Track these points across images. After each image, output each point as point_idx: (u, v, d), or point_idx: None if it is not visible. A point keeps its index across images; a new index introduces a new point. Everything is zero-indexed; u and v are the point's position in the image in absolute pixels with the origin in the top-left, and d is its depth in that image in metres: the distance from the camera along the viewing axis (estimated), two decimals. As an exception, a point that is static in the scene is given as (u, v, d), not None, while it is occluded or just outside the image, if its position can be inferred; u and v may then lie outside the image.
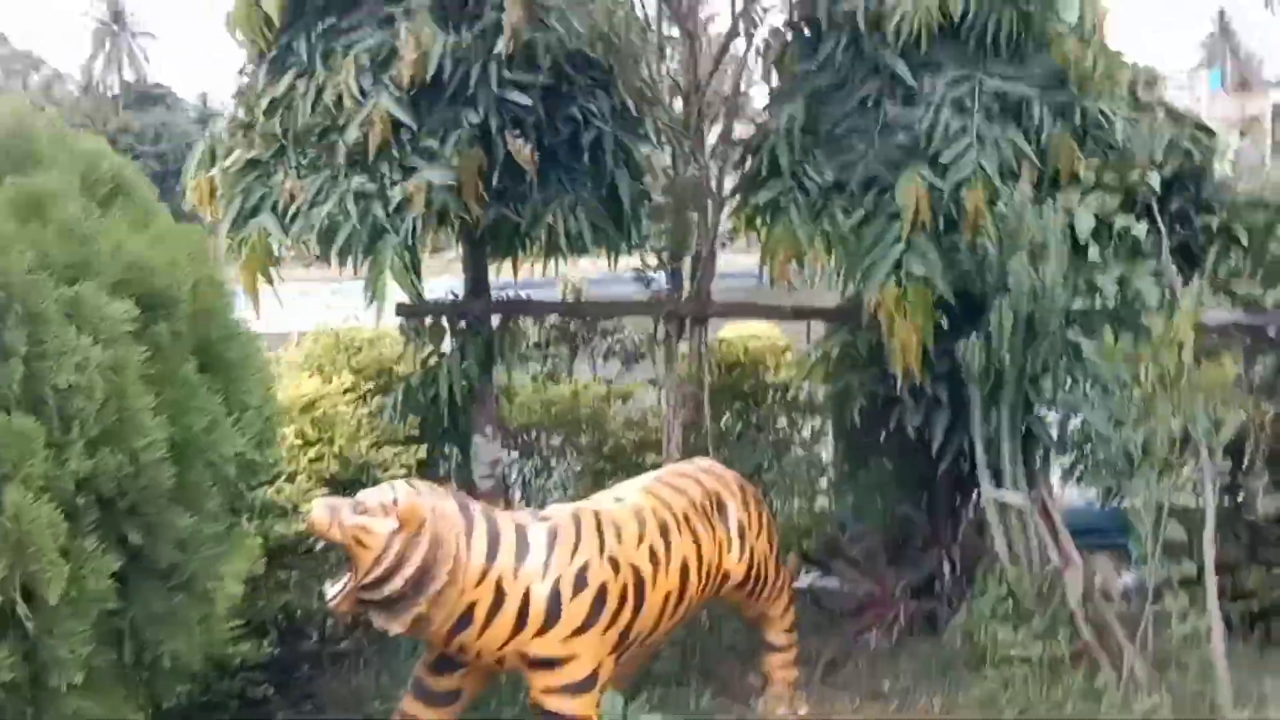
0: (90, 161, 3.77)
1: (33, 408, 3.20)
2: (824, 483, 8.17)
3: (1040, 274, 6.00)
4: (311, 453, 5.83)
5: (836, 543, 7.44)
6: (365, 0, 6.46)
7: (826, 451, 8.38)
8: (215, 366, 3.79)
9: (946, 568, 7.11)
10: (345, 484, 6.05)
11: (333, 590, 4.82)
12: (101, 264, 3.45)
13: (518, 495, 8.19)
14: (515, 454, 8.38)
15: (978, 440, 6.50)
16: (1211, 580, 5.76)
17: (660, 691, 6.15)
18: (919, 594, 7.11)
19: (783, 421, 8.47)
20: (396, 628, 4.76)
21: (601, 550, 5.06)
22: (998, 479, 6.49)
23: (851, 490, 7.66)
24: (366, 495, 4.82)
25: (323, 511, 4.74)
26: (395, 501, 4.72)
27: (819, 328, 7.96)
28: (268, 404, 4.13)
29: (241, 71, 7.09)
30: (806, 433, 8.51)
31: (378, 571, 4.67)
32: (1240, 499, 7.22)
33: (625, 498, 5.50)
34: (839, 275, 6.69)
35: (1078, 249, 6.27)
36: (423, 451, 6.99)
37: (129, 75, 67.65)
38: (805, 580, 7.57)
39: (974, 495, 7.11)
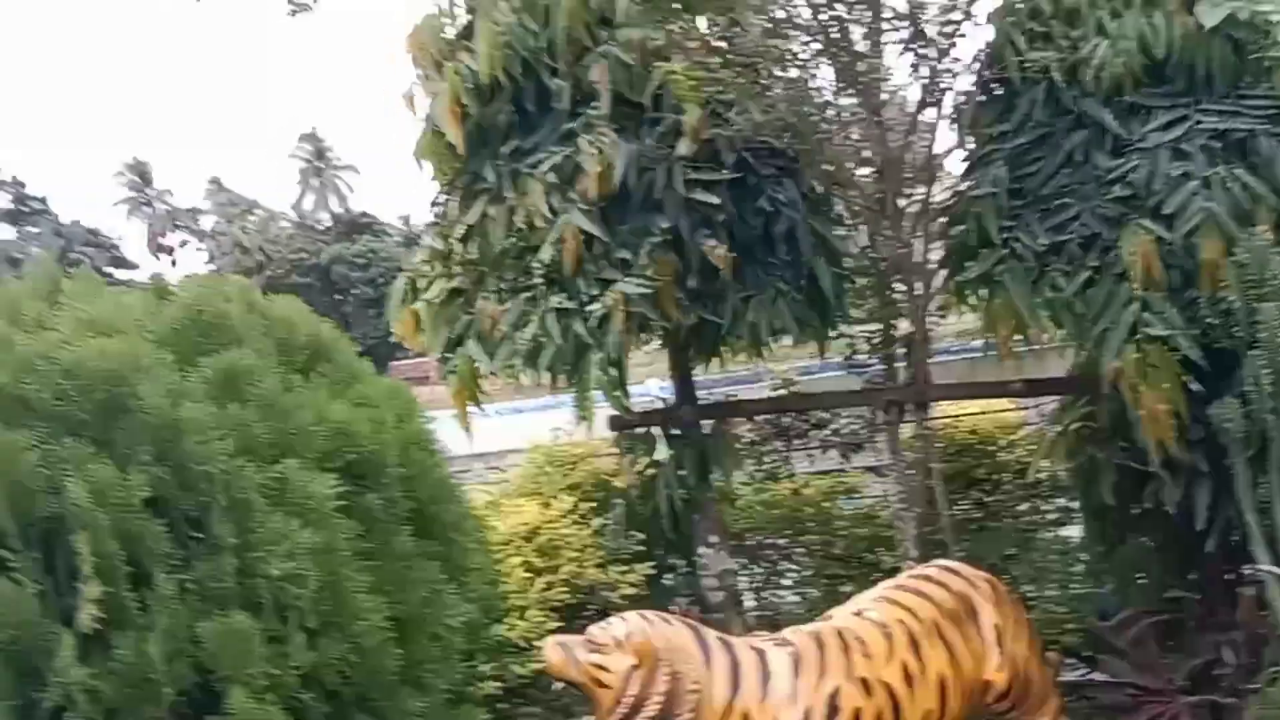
0: (286, 328, 3.74)
1: (247, 603, 3.12)
2: (1078, 568, 7.51)
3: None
4: (540, 583, 5.71)
5: (1100, 633, 6.80)
6: (545, 120, 6.44)
7: (1074, 533, 7.72)
8: (431, 531, 3.67)
9: (1228, 653, 6.39)
10: (576, 610, 5.89)
11: (579, 736, 4.63)
12: (304, 437, 3.39)
13: (750, 603, 7.85)
14: (743, 561, 8.06)
15: (1248, 511, 5.84)
16: None
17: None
18: (1199, 684, 6.40)
19: (1024, 504, 7.88)
20: (649, 770, 4.50)
21: (850, 671, 4.69)
22: (1275, 552, 5.80)
23: (1110, 574, 7.01)
24: (597, 631, 4.61)
25: (557, 652, 4.56)
26: (628, 635, 4.50)
27: (1050, 399, 7.40)
28: (490, 564, 3.96)
29: (434, 202, 7.18)
30: (1051, 514, 7.88)
31: (621, 711, 4.46)
32: None
33: (866, 610, 5.12)
34: (1067, 343, 6.20)
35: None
36: (649, 568, 6.78)
37: (336, 207, 71.73)
38: (1069, 676, 6.94)
39: (1250, 570, 6.39)
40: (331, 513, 3.29)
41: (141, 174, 72.55)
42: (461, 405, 6.76)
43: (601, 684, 4.46)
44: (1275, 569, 5.76)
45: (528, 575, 5.70)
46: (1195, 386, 5.70)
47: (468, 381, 6.71)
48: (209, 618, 3.12)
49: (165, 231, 72.18)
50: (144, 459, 3.17)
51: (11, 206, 63.64)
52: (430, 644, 3.44)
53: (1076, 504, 7.41)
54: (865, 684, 4.69)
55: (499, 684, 5.02)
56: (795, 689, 4.56)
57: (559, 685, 4.81)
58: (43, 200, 68.70)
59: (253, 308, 3.70)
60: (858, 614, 5.10)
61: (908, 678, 4.85)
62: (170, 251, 72.16)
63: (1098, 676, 7.05)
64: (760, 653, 4.67)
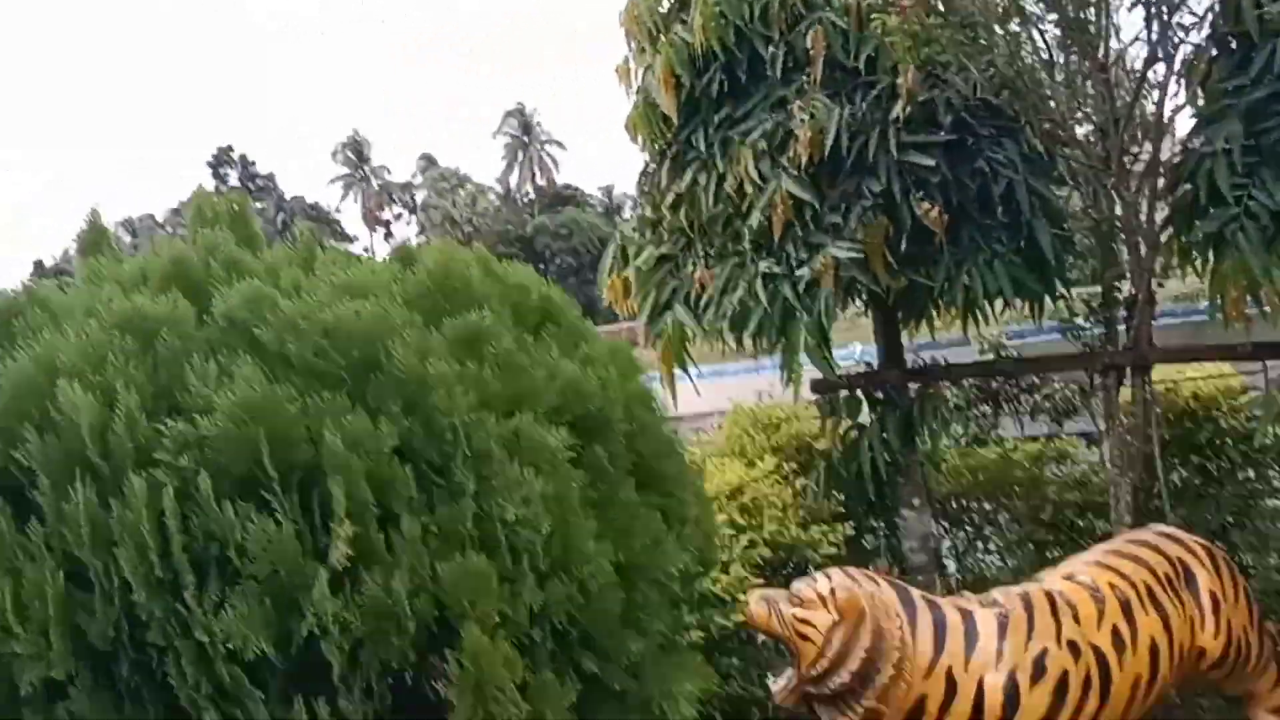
0: (520, 293, 3.98)
1: (484, 545, 3.36)
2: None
3: None
4: (744, 540, 5.87)
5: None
6: (757, 88, 6.53)
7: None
8: (652, 483, 3.85)
9: None
10: (777, 568, 6.03)
11: (777, 684, 4.78)
12: (537, 393, 3.60)
13: (952, 567, 7.84)
14: (945, 525, 8.05)
15: None
16: None
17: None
18: None
19: (1246, 472, 7.57)
20: (844, 723, 4.63)
21: (1058, 634, 4.70)
22: None
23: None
24: (802, 586, 4.75)
25: (760, 605, 4.72)
26: (833, 592, 4.62)
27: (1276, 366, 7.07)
28: (707, 517, 4.12)
29: (644, 171, 7.39)
30: (1277, 481, 7.55)
31: (822, 665, 4.57)
32: None
33: (1077, 574, 5.09)
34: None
35: None
36: (850, 529, 6.87)
37: (541, 181, 73.45)
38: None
39: None
40: (562, 463, 3.51)
41: (358, 151, 75.87)
42: (668, 368, 6.96)
43: (804, 638, 4.57)
44: None
45: (731, 532, 5.86)
46: None
47: (675, 345, 6.91)
48: (449, 558, 3.33)
49: (380, 205, 75.44)
50: (393, 411, 3.43)
51: (239, 183, 67.65)
52: (650, 590, 3.61)
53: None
54: (1074, 647, 4.69)
55: (701, 634, 5.20)
56: (1001, 650, 4.60)
57: (760, 638, 4.97)
58: (270, 177, 72.70)
59: (490, 273, 3.95)
60: (1068, 577, 5.08)
61: (1118, 642, 4.81)
62: (385, 224, 75.40)
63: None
64: (966, 613, 4.72)
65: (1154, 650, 4.92)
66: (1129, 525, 6.25)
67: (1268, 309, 6.14)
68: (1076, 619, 4.78)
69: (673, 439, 4.10)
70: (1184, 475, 7.44)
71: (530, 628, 3.44)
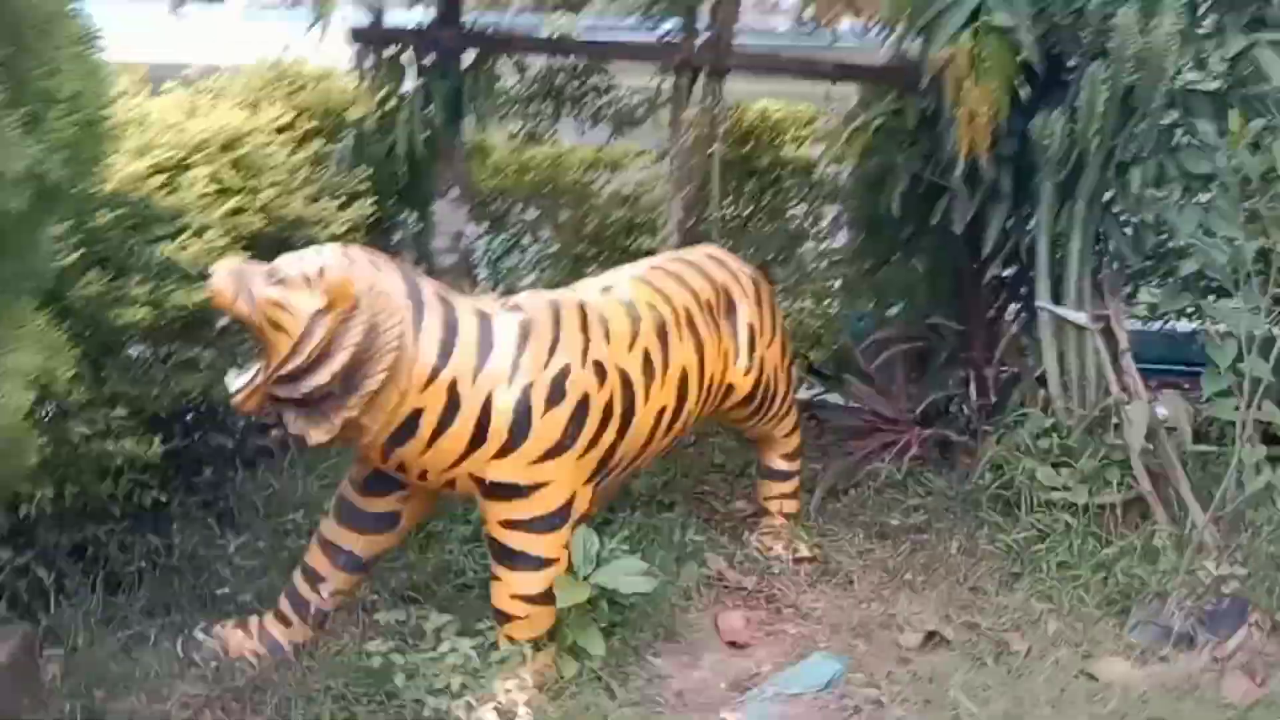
0: None
1: None
2: (837, 283, 7.02)
3: (1151, 35, 4.75)
4: (231, 203, 4.60)
5: (849, 353, 6.39)
6: None
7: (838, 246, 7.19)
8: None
9: (974, 390, 6.09)
10: (271, 246, 4.88)
11: (238, 382, 3.75)
12: None
13: (482, 276, 7.04)
14: (484, 225, 7.19)
15: (1041, 241, 5.40)
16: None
17: (638, 519, 5.21)
18: (935, 418, 6.12)
19: (798, 208, 7.25)
20: (318, 435, 3.70)
21: (585, 352, 3.98)
22: (1057, 291, 5.43)
23: (872, 292, 6.56)
24: (286, 262, 3.69)
25: (226, 279, 3.63)
26: (322, 272, 3.60)
27: (848, 101, 6.67)
28: (94, 98, 2.75)
29: None
30: (824, 222, 7.29)
31: (296, 361, 3.59)
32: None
33: (615, 287, 4.39)
34: (893, 26, 5.42)
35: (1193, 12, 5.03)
36: (371, 210, 5.78)
37: None
38: (805, 394, 6.58)
39: (1018, 311, 6.06)
40: None
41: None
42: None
43: (277, 326, 3.58)
44: (1057, 307, 5.40)
45: (215, 190, 4.59)
46: (1025, 92, 5.07)
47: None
48: None
49: None
50: None
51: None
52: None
53: (850, 214, 6.84)
54: (600, 368, 4.01)
55: (152, 310, 4.04)
56: (518, 363, 3.82)
57: (226, 322, 3.86)
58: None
59: None
60: (606, 289, 4.37)
61: (648, 368, 4.20)
62: None
63: (832, 399, 6.73)
64: (484, 316, 3.87)
65: (683, 381, 4.36)
66: (675, 247, 5.70)
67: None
68: (607, 337, 4.09)
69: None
70: (737, 203, 6.99)
71: None
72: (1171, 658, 4.45)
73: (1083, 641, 4.56)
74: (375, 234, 5.78)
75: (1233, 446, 4.75)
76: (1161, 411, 5.42)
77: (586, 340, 4.00)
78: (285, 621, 4.15)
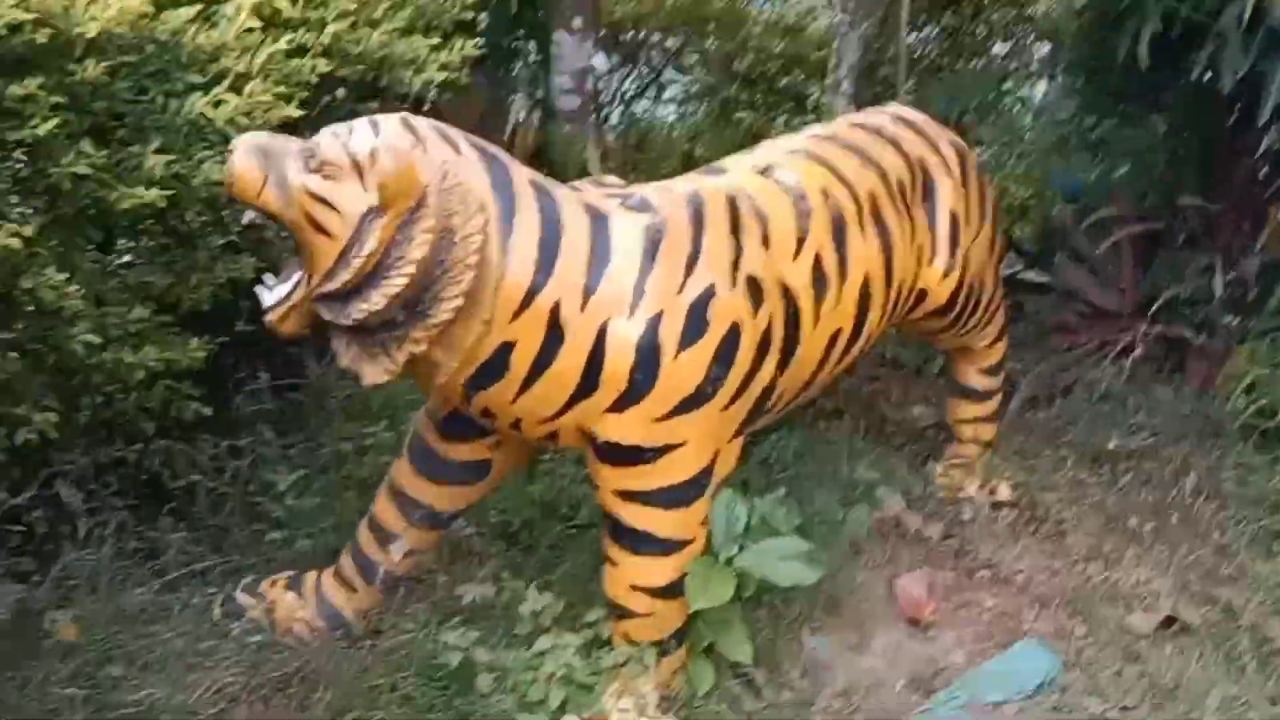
0: None
1: None
2: (1052, 136, 5.70)
3: None
4: (282, 40, 3.55)
5: (1065, 229, 5.17)
6: None
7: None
8: None
9: (1218, 283, 4.85)
10: (345, 99, 3.88)
11: (273, 295, 2.79)
12: None
13: (614, 120, 5.93)
14: (614, 60, 6.05)
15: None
16: None
17: (796, 441, 4.20)
18: (1173, 318, 4.93)
19: (1002, 46, 5.89)
20: (374, 375, 2.73)
21: (736, 266, 2.90)
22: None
23: (1100, 156, 5.26)
24: (328, 139, 2.66)
25: (249, 160, 2.64)
26: (375, 156, 2.58)
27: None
28: None
29: None
30: (1034, 65, 5.93)
31: (344, 277, 2.62)
32: None
33: (778, 167, 3.27)
34: None
35: None
36: (478, 47, 4.67)
37: None
38: (1006, 272, 5.41)
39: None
40: None
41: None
42: None
43: (319, 228, 2.61)
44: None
45: (258, 23, 3.53)
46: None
47: None
48: None
49: None
50: None
51: None
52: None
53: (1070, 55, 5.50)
54: (755, 286, 2.94)
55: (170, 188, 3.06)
56: (642, 285, 2.77)
57: (252, 218, 2.85)
58: None
59: None
60: (764, 171, 3.24)
61: (819, 279, 3.12)
62: None
63: (1036, 277, 5.57)
64: (598, 216, 2.82)
65: (865, 293, 3.27)
66: (847, 96, 4.53)
67: None
68: (766, 241, 3.00)
69: None
70: (928, 41, 5.67)
71: None
72: None
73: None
74: (478, 74, 4.70)
75: None
76: None
77: (738, 248, 2.92)
78: (348, 586, 3.30)
